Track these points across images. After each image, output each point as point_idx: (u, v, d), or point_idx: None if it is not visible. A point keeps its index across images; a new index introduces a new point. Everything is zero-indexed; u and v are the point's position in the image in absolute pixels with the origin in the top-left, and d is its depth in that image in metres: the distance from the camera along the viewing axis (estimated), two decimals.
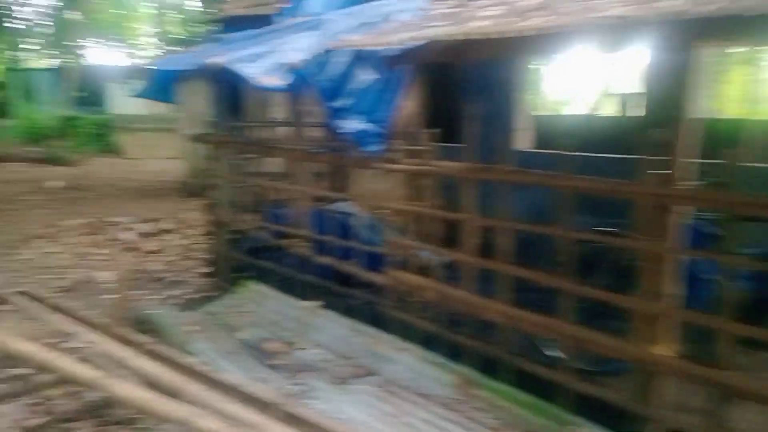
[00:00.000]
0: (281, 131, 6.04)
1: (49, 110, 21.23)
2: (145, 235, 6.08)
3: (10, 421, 2.25)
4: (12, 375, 2.90)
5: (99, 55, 30.60)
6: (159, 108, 22.96)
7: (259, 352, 3.59)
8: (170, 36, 25.37)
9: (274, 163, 5.19)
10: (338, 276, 3.92)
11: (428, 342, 3.33)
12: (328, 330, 3.73)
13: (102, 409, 2.90)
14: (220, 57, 3.85)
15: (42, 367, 2.74)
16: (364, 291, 3.74)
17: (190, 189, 10.16)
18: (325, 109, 3.41)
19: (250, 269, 4.76)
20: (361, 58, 3.24)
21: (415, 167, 3.12)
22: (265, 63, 3.63)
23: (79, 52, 28.88)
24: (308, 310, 3.79)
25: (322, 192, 4.41)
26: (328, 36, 3.54)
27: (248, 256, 4.77)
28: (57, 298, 3.92)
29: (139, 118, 18.68)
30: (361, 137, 3.20)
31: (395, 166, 3.22)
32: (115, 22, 32.39)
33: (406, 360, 3.31)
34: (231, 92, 9.58)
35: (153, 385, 2.48)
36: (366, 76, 3.26)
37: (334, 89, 3.28)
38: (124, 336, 2.93)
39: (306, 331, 3.76)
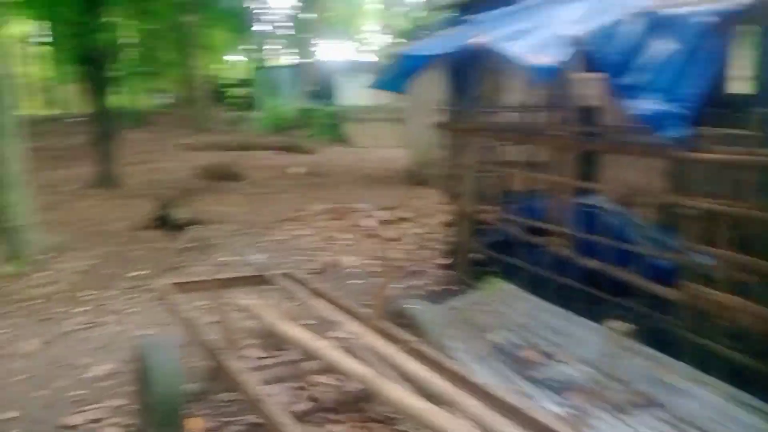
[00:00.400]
0: (517, 116, 5.64)
1: (289, 103, 23.60)
2: (384, 222, 6.19)
3: (278, 405, 2.25)
4: (279, 359, 2.98)
5: (330, 51, 33.24)
6: (384, 99, 24.08)
7: (513, 360, 3.26)
8: (399, 28, 26.23)
9: (519, 151, 4.81)
10: (607, 283, 3.40)
11: (736, 376, 2.67)
12: (593, 344, 3.25)
13: (363, 402, 2.83)
14: (480, 37, 3.56)
15: (310, 354, 2.74)
16: (643, 304, 3.18)
17: (416, 177, 10.31)
18: (611, 87, 2.91)
19: (493, 265, 4.47)
20: (661, 25, 2.67)
21: (737, 157, 2.47)
22: (532, 39, 3.25)
23: (313, 49, 31.85)
24: (577, 322, 3.34)
25: (583, 183, 3.90)
26: (612, 3, 3.02)
27: (492, 250, 4.48)
28: (311, 280, 4.08)
29: (366, 109, 19.82)
30: (657, 119, 2.64)
31: (704, 155, 2.60)
32: (345, 19, 35.00)
33: (703, 395, 2.69)
34: (463, 78, 9.47)
35: (421, 389, 2.30)
36: (666, 47, 2.68)
37: (624, 63, 2.76)
38: (386, 330, 2.82)
39: (566, 343, 3.33)
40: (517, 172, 4.50)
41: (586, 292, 3.53)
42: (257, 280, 3.80)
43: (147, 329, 3.81)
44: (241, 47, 35.02)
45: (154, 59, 24.21)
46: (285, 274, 3.79)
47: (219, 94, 36.12)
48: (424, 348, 2.68)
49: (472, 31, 4.14)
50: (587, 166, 4.62)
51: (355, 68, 26.39)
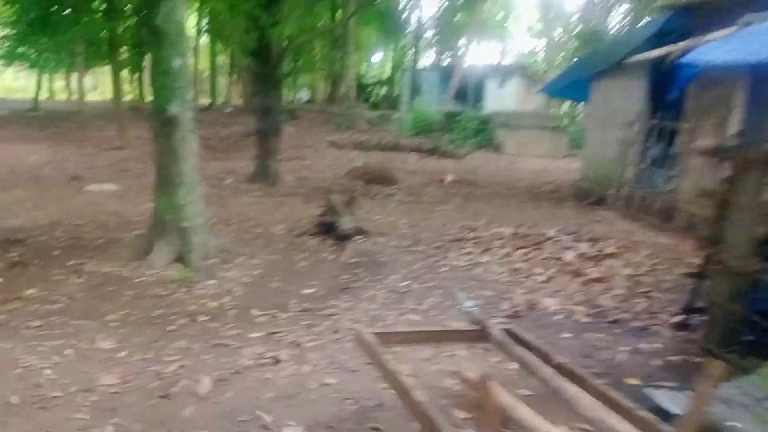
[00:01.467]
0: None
1: (434, 105, 22.97)
2: (583, 257, 5.18)
3: None
4: None
5: (479, 53, 32.19)
6: (536, 105, 22.66)
7: None
8: (581, 33, 24.42)
9: None
10: None
11: None
12: None
13: None
14: None
15: None
16: None
17: (589, 196, 9.11)
18: None
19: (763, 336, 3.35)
20: None
21: None
22: None
23: (461, 51, 30.99)
24: None
25: None
26: None
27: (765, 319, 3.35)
28: (504, 324, 3.25)
29: (516, 115, 18.65)
30: None
31: None
32: (495, 21, 33.80)
33: None
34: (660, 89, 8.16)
35: None
36: None
37: None
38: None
39: None
40: None
41: None
42: (469, 336, 3.01)
43: (333, 375, 3.17)
44: (388, 46, 35.13)
45: (311, 56, 24.68)
46: (506, 330, 2.97)
47: (363, 92, 36.61)
48: None
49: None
50: None
51: (504, 72, 25.17)
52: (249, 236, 6.44)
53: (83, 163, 12.11)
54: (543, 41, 37.25)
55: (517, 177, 12.72)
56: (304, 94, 39.11)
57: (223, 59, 33.68)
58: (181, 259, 5.20)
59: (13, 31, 19.05)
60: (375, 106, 31.47)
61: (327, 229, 6.50)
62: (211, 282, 4.86)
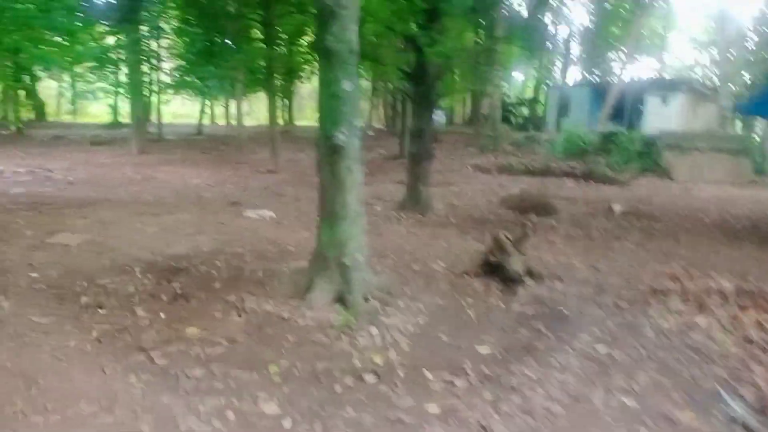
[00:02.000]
0: None
1: (584, 125, 21.40)
2: None
3: None
4: None
5: (633, 68, 29.75)
6: (710, 125, 20.22)
7: None
8: None
9: None
10: None
11: None
12: None
13: None
14: None
15: None
16: None
17: None
18: None
19: None
20: None
21: None
22: None
23: (612, 66, 28.94)
24: None
25: None
26: None
27: None
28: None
29: (688, 135, 16.64)
30: None
31: None
32: (655, 33, 31.18)
33: None
34: None
35: None
36: None
37: None
38: None
39: None
40: None
41: None
42: None
43: None
44: (530, 64, 33.81)
45: (451, 76, 24.24)
46: None
47: (504, 113, 35.55)
48: None
49: None
50: None
51: (667, 87, 22.89)
52: (407, 273, 5.89)
53: (240, 185, 12.52)
54: (707, 54, 33.73)
55: (697, 207, 11.09)
56: (441, 116, 38.86)
57: (363, 82, 34.42)
58: (341, 298, 4.77)
59: (182, 63, 20.78)
60: (517, 127, 30.30)
61: (492, 269, 5.77)
62: (373, 330, 4.34)
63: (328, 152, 4.74)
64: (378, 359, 3.90)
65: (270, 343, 4.12)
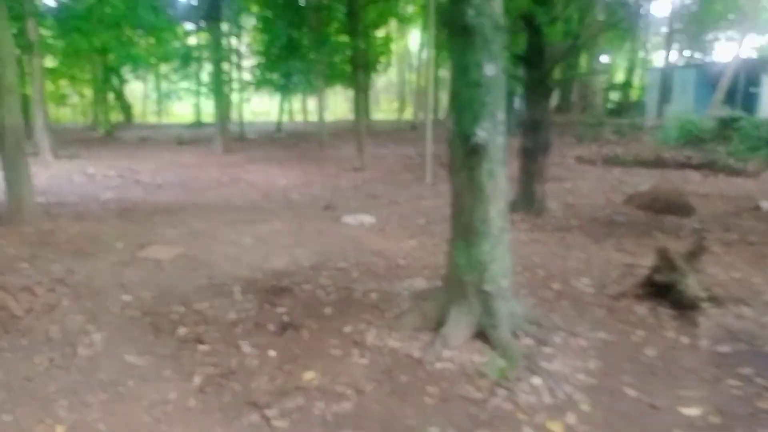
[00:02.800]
0: None
1: (693, 111, 19.37)
2: None
3: None
4: None
5: (745, 46, 26.82)
6: None
7: None
8: None
9: None
10: None
11: None
12: None
13: None
14: None
15: None
16: None
17: None
18: None
19: None
20: None
21: None
22: None
23: (720, 46, 26.33)
24: None
25: None
26: None
27: None
28: None
29: None
30: None
31: None
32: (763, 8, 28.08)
33: None
34: None
35: None
36: None
37: None
38: None
39: None
40: None
41: None
42: None
43: None
44: (620, 45, 31.41)
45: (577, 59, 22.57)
46: None
47: (591, 99, 33.29)
48: None
49: None
50: None
51: None
52: (548, 295, 4.89)
53: (328, 185, 11.86)
54: None
55: None
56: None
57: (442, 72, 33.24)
58: (483, 334, 3.85)
59: (263, 60, 20.49)
60: (608, 113, 28.25)
61: (658, 290, 4.67)
62: (535, 380, 3.39)
63: (465, 154, 3.82)
64: (556, 428, 2.95)
65: (407, 397, 3.27)
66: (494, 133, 3.78)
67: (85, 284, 5.11)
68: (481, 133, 3.73)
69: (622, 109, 27.00)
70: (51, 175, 13.54)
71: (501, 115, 3.83)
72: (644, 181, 11.43)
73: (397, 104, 44.08)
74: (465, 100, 3.78)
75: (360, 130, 14.73)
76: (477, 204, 3.84)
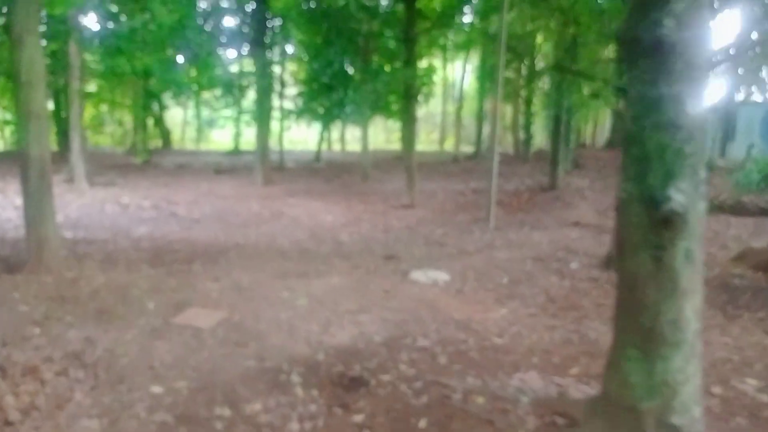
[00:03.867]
0: None
1: (764, 150, 17.84)
2: None
3: None
4: None
5: None
6: None
7: None
8: None
9: None
10: None
11: None
12: None
13: None
14: None
15: None
16: None
17: None
18: None
19: None
20: None
21: None
22: None
23: None
24: None
25: None
26: None
27: None
28: None
29: None
30: None
31: None
32: None
33: None
34: None
35: None
36: None
37: None
38: None
39: None
40: None
41: None
42: None
43: None
44: None
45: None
46: None
47: None
48: None
49: None
50: None
51: None
52: (712, 404, 3.60)
53: (379, 225, 10.75)
54: None
55: None
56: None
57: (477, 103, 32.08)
58: None
59: (307, 88, 19.75)
60: None
61: None
62: None
63: (651, 225, 2.63)
64: None
65: None
66: (695, 196, 2.60)
67: (106, 364, 4.02)
68: (678, 197, 2.55)
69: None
70: (84, 204, 12.78)
71: (703, 172, 2.64)
72: (741, 231, 10.01)
73: (436, 136, 43.22)
74: (653, 149, 2.61)
75: (410, 164, 13.66)
76: (667, 299, 2.63)
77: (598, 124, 37.47)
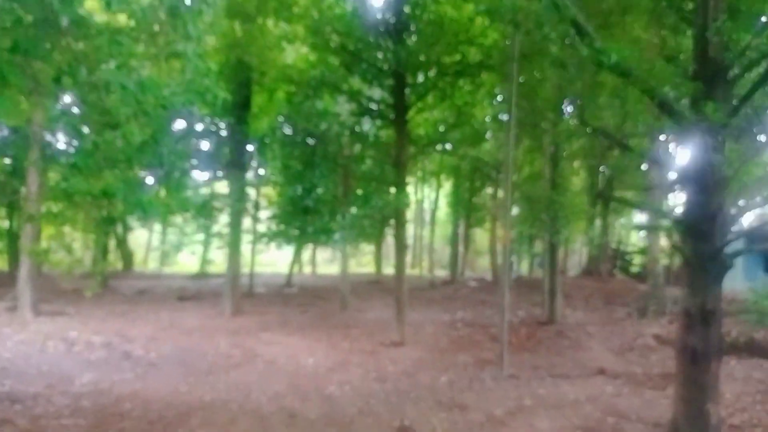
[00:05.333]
0: None
1: (760, 281, 17.20)
2: None
3: None
4: None
5: None
6: None
7: None
8: None
9: None
10: None
11: None
12: None
13: None
14: None
15: None
16: None
17: None
18: None
19: None
20: None
21: None
22: None
23: None
24: None
25: None
26: None
27: None
28: None
29: None
30: None
31: None
32: None
33: None
34: None
35: None
36: None
37: None
38: None
39: None
40: None
41: None
42: None
43: None
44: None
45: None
46: None
47: (621, 262, 31.40)
48: None
49: None
50: None
51: None
52: None
53: (370, 370, 9.22)
54: None
55: None
56: (541, 262, 34.67)
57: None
58: None
59: (280, 210, 18.82)
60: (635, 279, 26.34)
61: None
62: None
63: None
64: None
65: None
66: None
67: None
68: None
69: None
70: (22, 340, 10.94)
71: None
72: None
73: (409, 259, 42.49)
74: None
75: (401, 295, 12.38)
76: None
77: (568, 251, 37.37)
